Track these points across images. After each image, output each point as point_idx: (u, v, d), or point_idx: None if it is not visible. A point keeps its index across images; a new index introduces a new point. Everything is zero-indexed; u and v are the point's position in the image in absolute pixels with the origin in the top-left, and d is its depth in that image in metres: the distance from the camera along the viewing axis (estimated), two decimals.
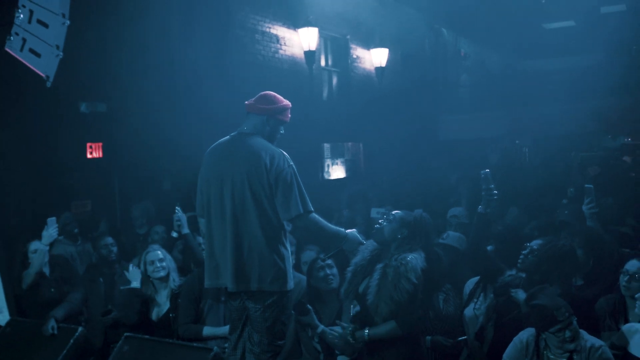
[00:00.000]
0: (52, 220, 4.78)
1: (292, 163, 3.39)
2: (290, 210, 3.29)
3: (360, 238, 3.61)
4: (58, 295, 4.73)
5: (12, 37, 4.35)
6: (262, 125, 3.50)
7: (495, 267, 4.01)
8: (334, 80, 11.97)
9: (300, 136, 9.94)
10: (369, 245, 3.59)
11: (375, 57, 12.69)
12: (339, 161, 11.90)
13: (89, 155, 7.03)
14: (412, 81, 13.94)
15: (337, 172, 11.79)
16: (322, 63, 11.48)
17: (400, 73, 13.79)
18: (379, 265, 3.50)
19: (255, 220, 3.30)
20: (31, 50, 4.45)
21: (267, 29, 9.82)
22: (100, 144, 7.16)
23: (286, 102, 3.60)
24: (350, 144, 12.28)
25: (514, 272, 3.87)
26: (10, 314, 4.84)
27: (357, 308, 3.58)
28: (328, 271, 3.99)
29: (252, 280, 3.30)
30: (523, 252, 3.78)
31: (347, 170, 12.13)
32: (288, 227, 3.50)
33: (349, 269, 3.61)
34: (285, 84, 10.14)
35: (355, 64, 12.32)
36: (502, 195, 7.93)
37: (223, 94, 7.53)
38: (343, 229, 3.59)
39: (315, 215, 3.40)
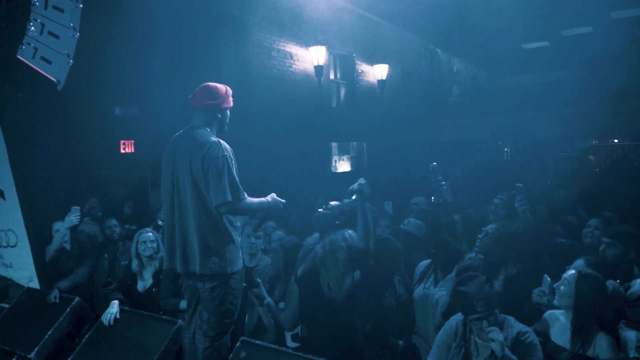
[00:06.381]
0: (75, 208, 4.43)
1: (227, 153, 2.81)
2: (218, 197, 2.76)
3: (280, 200, 3.10)
4: (76, 267, 4.39)
5: (24, 46, 3.97)
6: (212, 118, 2.98)
7: (456, 251, 3.45)
8: (342, 91, 11.45)
9: (311, 137, 9.53)
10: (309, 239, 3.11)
11: (377, 72, 12.10)
12: (345, 157, 11.36)
13: (122, 151, 6.69)
14: (409, 92, 13.30)
15: (343, 166, 11.26)
16: (332, 76, 10.95)
17: (400, 85, 13.16)
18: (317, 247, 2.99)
19: (196, 208, 2.82)
20: (42, 58, 4.09)
21: (282, 47, 9.32)
22: (133, 141, 6.80)
23: (227, 89, 3.04)
24: (355, 143, 11.71)
25: (473, 254, 3.34)
26: (40, 282, 4.57)
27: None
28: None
29: (196, 263, 2.84)
30: (479, 235, 3.31)
31: (352, 165, 11.59)
32: None
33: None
34: (299, 94, 9.69)
35: (360, 77, 11.75)
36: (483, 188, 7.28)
37: (244, 103, 7.08)
38: (265, 199, 3.03)
39: (244, 202, 2.84)
